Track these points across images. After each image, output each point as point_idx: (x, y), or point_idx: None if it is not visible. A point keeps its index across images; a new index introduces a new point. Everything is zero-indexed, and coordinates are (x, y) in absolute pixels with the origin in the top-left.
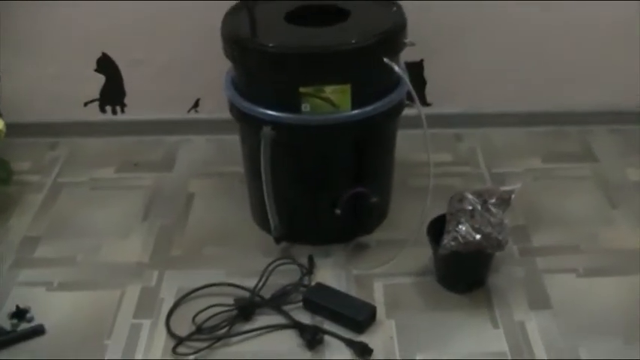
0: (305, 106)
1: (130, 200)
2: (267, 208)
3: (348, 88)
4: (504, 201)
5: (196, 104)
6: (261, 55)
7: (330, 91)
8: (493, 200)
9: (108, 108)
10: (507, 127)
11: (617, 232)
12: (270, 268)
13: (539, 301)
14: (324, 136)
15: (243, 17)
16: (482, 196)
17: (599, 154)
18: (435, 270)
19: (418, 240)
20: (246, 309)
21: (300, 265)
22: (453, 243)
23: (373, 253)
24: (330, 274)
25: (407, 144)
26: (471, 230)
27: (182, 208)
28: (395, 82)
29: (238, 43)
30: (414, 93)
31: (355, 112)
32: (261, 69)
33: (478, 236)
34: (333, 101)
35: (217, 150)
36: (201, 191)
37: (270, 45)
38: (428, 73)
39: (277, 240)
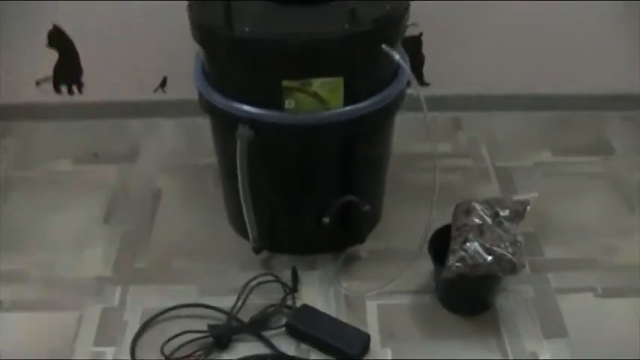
0: (289, 103)
1: (89, 199)
2: (245, 216)
3: (340, 81)
4: (518, 214)
5: (163, 83)
6: (236, 43)
7: (318, 84)
8: (506, 213)
9: (63, 88)
10: (512, 110)
11: (636, 242)
12: (249, 286)
13: (553, 328)
14: (311, 136)
15: None
16: (493, 208)
17: (615, 145)
18: (436, 289)
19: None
20: (222, 337)
21: (284, 284)
22: (459, 264)
23: (365, 267)
24: (317, 291)
25: (399, 130)
26: (480, 250)
27: (148, 208)
28: (394, 71)
29: (209, 29)
30: (415, 84)
31: (348, 108)
32: (237, 59)
33: (489, 258)
34: (322, 97)
35: (188, 136)
36: (170, 188)
37: (247, 30)
38: (426, 49)
39: (257, 251)
